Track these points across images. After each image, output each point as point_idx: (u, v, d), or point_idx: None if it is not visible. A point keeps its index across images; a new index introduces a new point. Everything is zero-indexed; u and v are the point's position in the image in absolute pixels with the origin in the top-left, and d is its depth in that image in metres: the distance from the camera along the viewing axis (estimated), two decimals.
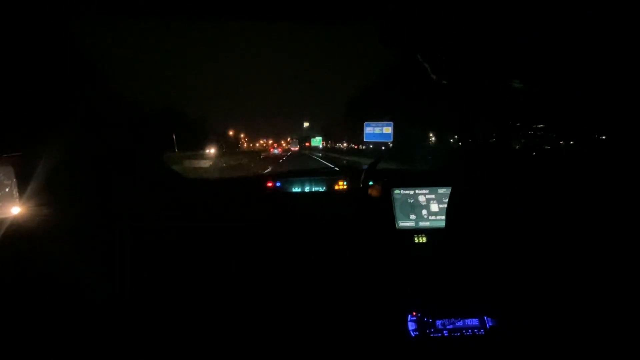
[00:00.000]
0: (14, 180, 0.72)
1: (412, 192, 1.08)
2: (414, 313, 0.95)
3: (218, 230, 1.16)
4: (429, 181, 1.10)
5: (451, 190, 1.04)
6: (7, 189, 0.72)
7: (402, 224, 1.06)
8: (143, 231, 1.02)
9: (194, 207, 1.21)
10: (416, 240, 1.04)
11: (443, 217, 1.06)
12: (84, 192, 0.88)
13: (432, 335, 0.94)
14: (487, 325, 0.96)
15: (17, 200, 0.72)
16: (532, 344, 0.94)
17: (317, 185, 1.46)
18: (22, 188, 0.72)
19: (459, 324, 0.95)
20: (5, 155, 0.73)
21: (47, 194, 0.75)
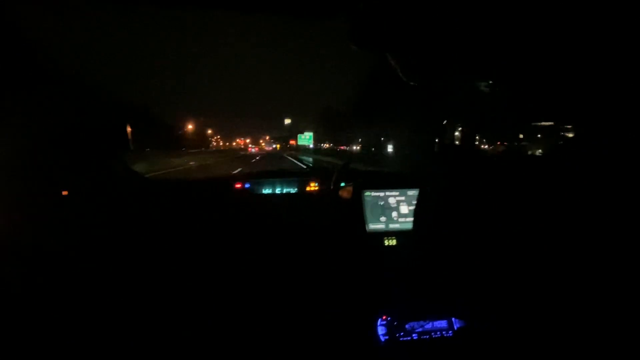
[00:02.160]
0: None
1: (382, 194, 1.13)
2: (384, 317, 1.01)
3: (182, 234, 1.18)
4: (399, 183, 1.16)
5: (419, 192, 1.11)
6: None
7: (373, 226, 1.11)
8: (99, 237, 1.02)
9: (157, 210, 1.22)
10: (386, 242, 1.09)
11: (412, 219, 1.12)
12: (30, 196, 0.87)
13: (401, 339, 1.00)
14: (455, 327, 1.02)
15: None
16: (500, 345, 1.02)
17: (288, 186, 1.50)
18: None
19: (428, 326, 1.01)
20: None
21: None
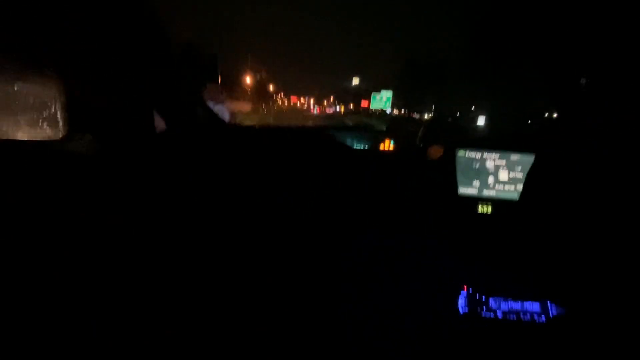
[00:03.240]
0: None
1: (479, 155, 1.03)
2: (465, 287, 0.95)
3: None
4: (500, 144, 1.04)
5: (535, 158, 0.99)
6: None
7: (464, 190, 1.03)
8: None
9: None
10: (480, 209, 1.01)
11: (512, 188, 1.01)
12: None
13: (483, 315, 0.94)
14: (551, 313, 0.93)
15: None
16: (602, 338, 0.91)
17: (359, 143, 1.46)
18: None
19: (516, 306, 0.94)
20: None
21: None
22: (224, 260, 0.91)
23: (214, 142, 1.16)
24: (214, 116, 1.33)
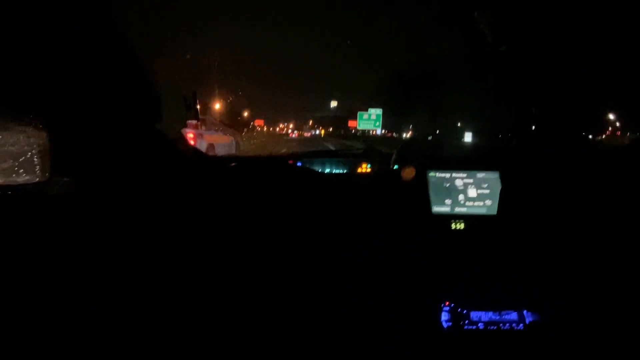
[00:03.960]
0: None
1: (448, 175, 1.10)
2: (447, 303, 1.00)
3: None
4: (467, 164, 1.12)
5: (500, 175, 1.07)
6: None
7: (437, 209, 1.09)
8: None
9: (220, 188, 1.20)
10: (453, 226, 1.07)
11: (481, 203, 1.08)
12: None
13: (465, 327, 0.98)
14: (527, 321, 0.98)
15: None
16: (575, 343, 0.97)
17: (338, 167, 1.54)
18: None
19: (495, 317, 0.98)
20: None
21: None
22: (224, 261, 0.94)
23: (201, 176, 1.19)
24: (196, 151, 1.37)
